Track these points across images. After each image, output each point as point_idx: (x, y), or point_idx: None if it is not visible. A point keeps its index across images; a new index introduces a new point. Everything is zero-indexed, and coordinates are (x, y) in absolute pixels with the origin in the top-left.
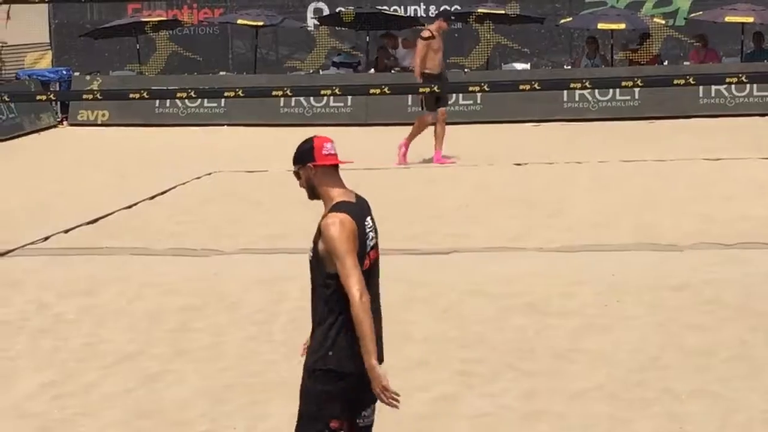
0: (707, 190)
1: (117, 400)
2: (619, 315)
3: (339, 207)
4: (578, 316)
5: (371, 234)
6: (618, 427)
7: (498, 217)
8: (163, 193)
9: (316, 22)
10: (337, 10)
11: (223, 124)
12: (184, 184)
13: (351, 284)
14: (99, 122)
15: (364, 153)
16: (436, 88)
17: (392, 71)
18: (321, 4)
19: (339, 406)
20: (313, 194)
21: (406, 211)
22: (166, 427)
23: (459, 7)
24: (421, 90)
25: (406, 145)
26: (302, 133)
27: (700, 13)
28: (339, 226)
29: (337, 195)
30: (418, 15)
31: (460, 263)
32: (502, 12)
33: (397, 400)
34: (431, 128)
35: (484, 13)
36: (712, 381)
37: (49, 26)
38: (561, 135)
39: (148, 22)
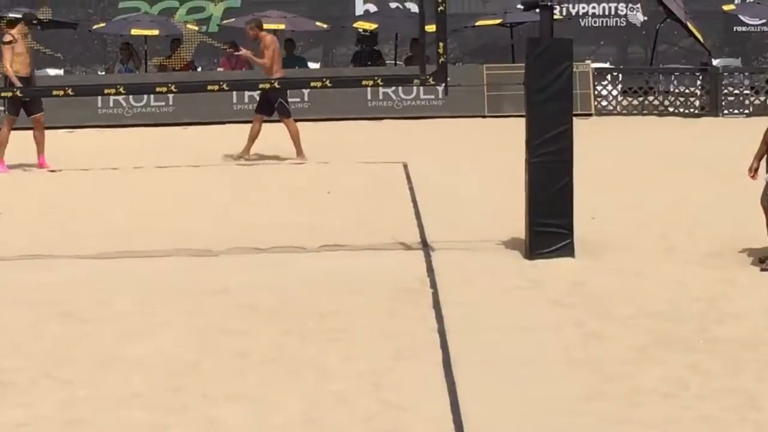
0: (242, 195)
1: None
2: (157, 321)
3: None
4: (116, 323)
5: None
6: None
7: (36, 224)
8: None
9: None
10: None
11: None
12: None
13: None
14: None
15: None
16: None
17: None
18: None
19: None
20: None
21: None
22: None
23: None
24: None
25: None
26: None
27: (233, 20)
28: None
29: None
30: None
31: None
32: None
33: None
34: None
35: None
36: (250, 385)
37: None
38: (97, 141)
39: None
